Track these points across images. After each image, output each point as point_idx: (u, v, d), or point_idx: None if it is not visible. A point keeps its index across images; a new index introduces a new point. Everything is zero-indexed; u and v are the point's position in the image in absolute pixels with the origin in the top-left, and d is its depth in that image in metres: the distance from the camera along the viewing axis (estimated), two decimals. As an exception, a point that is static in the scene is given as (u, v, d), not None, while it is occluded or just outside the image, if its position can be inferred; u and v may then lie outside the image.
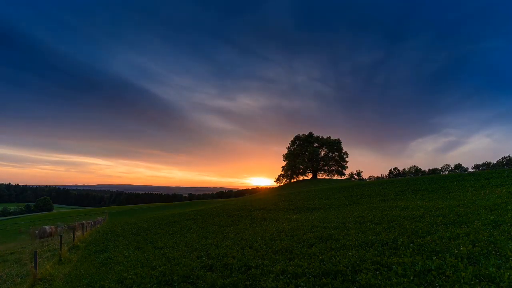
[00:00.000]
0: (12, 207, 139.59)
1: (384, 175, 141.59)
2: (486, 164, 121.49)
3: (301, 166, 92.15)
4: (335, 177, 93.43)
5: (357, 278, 5.55)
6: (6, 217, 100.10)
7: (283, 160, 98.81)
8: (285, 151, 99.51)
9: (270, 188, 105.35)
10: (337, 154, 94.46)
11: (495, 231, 7.16)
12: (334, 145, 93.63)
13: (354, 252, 7.31)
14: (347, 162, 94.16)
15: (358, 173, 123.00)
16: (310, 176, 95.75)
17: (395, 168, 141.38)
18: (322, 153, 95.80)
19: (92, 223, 30.57)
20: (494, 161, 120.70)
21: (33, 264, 9.67)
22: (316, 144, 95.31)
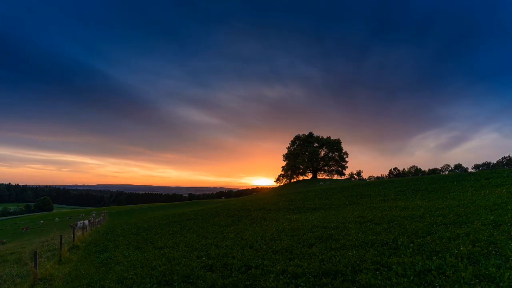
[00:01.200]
0: (12, 207, 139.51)
1: (384, 175, 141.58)
2: (486, 164, 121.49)
3: (301, 166, 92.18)
4: (335, 177, 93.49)
5: (357, 278, 5.55)
6: (6, 217, 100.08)
7: (283, 160, 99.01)
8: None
9: (270, 188, 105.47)
10: (337, 154, 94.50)
11: (495, 231, 7.16)
12: (334, 145, 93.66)
13: (354, 252, 7.31)
14: (347, 162, 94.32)
15: (358, 173, 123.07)
16: (310, 176, 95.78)
17: (395, 168, 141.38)
18: (322, 153, 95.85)
19: (97, 220, 32.88)
20: (494, 161, 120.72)
21: (33, 264, 9.67)
22: (316, 144, 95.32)
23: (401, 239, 7.74)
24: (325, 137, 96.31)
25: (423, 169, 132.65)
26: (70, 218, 56.60)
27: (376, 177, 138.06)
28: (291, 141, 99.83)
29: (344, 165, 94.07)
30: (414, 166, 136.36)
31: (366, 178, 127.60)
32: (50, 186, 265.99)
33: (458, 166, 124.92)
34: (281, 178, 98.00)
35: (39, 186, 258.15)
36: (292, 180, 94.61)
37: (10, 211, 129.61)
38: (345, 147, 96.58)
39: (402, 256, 6.42)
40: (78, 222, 27.40)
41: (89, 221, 28.72)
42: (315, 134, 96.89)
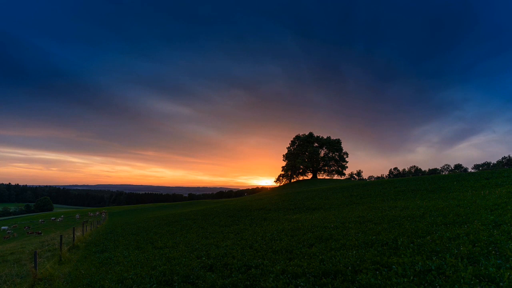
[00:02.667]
0: (12, 207, 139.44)
1: (384, 175, 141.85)
2: (486, 164, 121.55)
3: (301, 166, 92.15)
4: (335, 177, 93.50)
5: (357, 278, 5.55)
6: (6, 217, 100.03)
7: (283, 160, 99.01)
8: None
9: (270, 188, 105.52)
10: (337, 154, 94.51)
11: (495, 231, 7.16)
12: (334, 145, 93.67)
13: (354, 252, 7.31)
14: (347, 162, 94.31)
15: (358, 173, 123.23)
16: (310, 176, 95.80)
17: (395, 168, 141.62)
18: (322, 153, 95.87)
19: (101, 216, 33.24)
20: (494, 161, 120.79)
21: (33, 264, 9.68)
22: (316, 144, 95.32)
23: (401, 239, 7.73)
24: (325, 137, 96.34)
25: (423, 169, 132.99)
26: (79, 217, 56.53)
27: (376, 177, 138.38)
28: (291, 141, 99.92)
29: (344, 165, 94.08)
30: (414, 166, 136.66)
31: (366, 178, 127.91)
32: (50, 186, 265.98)
33: (458, 166, 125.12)
34: (281, 178, 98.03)
35: (39, 186, 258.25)
36: (292, 180, 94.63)
37: (10, 211, 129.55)
38: (344, 147, 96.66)
39: (402, 256, 6.42)
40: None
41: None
42: (315, 134, 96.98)
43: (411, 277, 5.19)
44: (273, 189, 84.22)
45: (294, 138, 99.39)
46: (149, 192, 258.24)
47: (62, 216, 58.77)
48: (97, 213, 62.33)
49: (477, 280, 4.68)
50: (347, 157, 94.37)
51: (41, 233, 35.65)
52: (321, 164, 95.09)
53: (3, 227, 52.44)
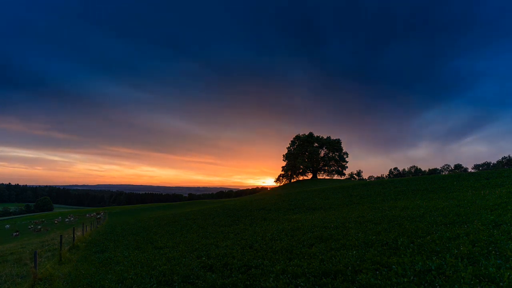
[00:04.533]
0: (12, 207, 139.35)
1: (384, 175, 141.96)
2: (486, 164, 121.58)
3: (301, 166, 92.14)
4: (335, 177, 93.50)
5: (357, 278, 5.55)
6: (6, 217, 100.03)
7: (283, 160, 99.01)
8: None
9: (270, 188, 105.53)
10: (337, 154, 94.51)
11: (495, 231, 7.16)
12: (334, 145, 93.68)
13: (354, 252, 7.31)
14: (347, 162, 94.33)
15: (358, 173, 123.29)
16: (310, 176, 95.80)
17: (395, 168, 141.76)
18: (322, 153, 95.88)
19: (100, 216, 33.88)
20: (494, 161, 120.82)
21: (33, 264, 9.67)
22: (316, 144, 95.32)
23: (401, 239, 7.73)
24: (325, 137, 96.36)
25: (423, 169, 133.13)
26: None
27: (376, 177, 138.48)
28: (291, 141, 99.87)
29: (344, 165, 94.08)
30: (414, 166, 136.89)
31: (366, 178, 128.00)
32: (50, 186, 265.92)
33: (458, 166, 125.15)
34: (281, 178, 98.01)
35: (39, 186, 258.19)
36: (292, 180, 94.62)
37: (10, 211, 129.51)
38: (344, 145, 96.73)
39: (402, 256, 6.42)
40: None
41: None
42: (315, 134, 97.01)
43: (411, 277, 5.19)
44: (273, 189, 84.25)
45: (294, 138, 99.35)
46: (149, 192, 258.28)
47: (70, 215, 59.17)
48: (93, 214, 61.69)
49: (477, 280, 4.68)
50: (347, 157, 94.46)
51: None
52: (321, 164, 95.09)
53: (6, 226, 52.93)
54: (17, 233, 36.59)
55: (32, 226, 46.33)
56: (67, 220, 52.34)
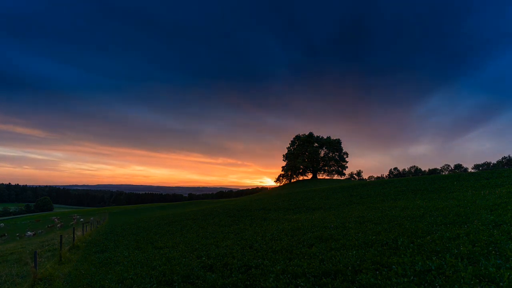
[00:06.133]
0: (12, 207, 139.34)
1: (384, 175, 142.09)
2: (486, 164, 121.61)
3: (301, 166, 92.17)
4: (335, 177, 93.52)
5: (357, 278, 5.55)
6: (6, 217, 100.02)
7: (283, 160, 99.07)
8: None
9: (270, 188, 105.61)
10: (337, 154, 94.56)
11: (495, 231, 7.16)
12: (334, 145, 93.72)
13: (354, 252, 7.31)
14: (347, 162, 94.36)
15: (358, 173, 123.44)
16: (310, 176, 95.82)
17: (395, 168, 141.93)
18: (322, 153, 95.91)
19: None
20: (494, 161, 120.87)
21: (33, 264, 9.67)
22: (316, 144, 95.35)
23: (401, 239, 7.73)
24: (325, 137, 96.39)
25: (423, 169, 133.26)
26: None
27: (376, 177, 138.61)
28: (291, 141, 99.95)
29: (344, 165, 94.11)
30: (414, 166, 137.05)
31: (366, 178, 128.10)
32: (50, 186, 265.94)
33: (458, 166, 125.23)
34: (281, 178, 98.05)
35: (39, 186, 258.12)
36: (292, 180, 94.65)
37: (10, 211, 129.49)
38: (344, 144, 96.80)
39: (402, 256, 6.42)
40: None
41: None
42: (315, 134, 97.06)
43: (411, 277, 5.19)
44: (273, 189, 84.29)
45: (294, 138, 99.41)
46: (149, 192, 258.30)
47: (76, 215, 59.52)
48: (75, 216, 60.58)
49: (477, 280, 4.68)
50: (347, 157, 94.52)
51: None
52: (321, 164, 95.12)
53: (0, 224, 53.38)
54: (61, 225, 38.02)
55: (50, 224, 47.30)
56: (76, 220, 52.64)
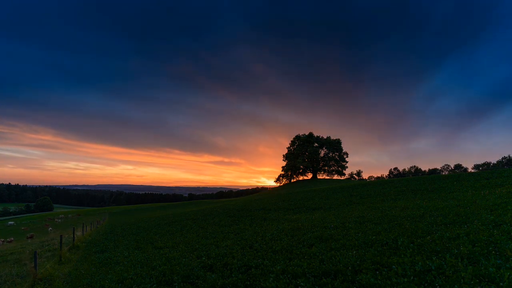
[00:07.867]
0: (12, 207, 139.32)
1: (384, 175, 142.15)
2: (486, 164, 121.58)
3: (301, 166, 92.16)
4: (335, 177, 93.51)
5: (357, 278, 5.55)
6: (6, 217, 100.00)
7: (283, 160, 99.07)
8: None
9: (270, 188, 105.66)
10: (337, 154, 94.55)
11: (495, 231, 7.16)
12: (334, 145, 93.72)
13: (354, 252, 7.31)
14: (347, 162, 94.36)
15: (358, 173, 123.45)
16: (310, 176, 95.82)
17: (395, 168, 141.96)
18: (322, 153, 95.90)
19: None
20: (494, 161, 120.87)
21: (33, 264, 9.67)
22: (316, 144, 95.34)
23: (401, 239, 7.73)
24: (325, 137, 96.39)
25: (423, 169, 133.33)
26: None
27: (376, 177, 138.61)
28: (291, 141, 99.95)
29: (344, 165, 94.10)
30: (414, 166, 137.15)
31: (366, 178, 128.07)
32: (50, 186, 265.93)
33: (458, 166, 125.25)
34: (281, 178, 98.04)
35: (39, 186, 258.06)
36: (292, 180, 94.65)
37: (10, 211, 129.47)
38: (344, 144, 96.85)
39: (402, 256, 6.42)
40: None
41: None
42: (315, 134, 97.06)
43: (411, 277, 5.19)
44: (273, 189, 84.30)
45: (294, 138, 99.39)
46: (149, 192, 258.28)
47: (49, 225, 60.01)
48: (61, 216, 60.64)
49: (477, 280, 4.68)
50: (347, 157, 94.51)
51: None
52: (321, 164, 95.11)
53: (9, 223, 53.27)
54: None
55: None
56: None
